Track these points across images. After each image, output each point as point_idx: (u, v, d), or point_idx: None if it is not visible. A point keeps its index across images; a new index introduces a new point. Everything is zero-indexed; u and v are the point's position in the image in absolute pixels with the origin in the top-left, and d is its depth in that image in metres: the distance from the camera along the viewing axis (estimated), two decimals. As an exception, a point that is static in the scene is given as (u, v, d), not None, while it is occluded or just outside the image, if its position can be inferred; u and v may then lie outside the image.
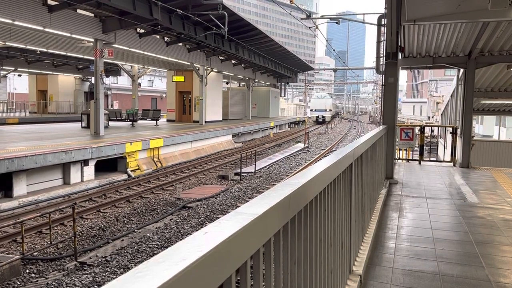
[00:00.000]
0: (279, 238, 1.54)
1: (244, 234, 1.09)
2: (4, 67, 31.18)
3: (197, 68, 26.73)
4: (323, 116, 57.98)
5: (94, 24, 16.78)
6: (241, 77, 37.41)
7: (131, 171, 15.26)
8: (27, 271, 6.97)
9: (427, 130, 17.68)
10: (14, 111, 39.39)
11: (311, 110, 60.97)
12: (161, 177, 15.07)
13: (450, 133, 11.74)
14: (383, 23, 10.58)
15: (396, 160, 10.80)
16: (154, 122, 26.33)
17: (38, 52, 24.78)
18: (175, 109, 30.33)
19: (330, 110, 60.28)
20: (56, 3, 14.64)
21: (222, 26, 19.22)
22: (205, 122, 27.59)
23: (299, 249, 1.79)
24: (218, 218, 1.19)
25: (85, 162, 13.20)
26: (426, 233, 5.08)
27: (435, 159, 13.65)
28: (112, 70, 35.16)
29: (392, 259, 4.19)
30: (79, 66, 33.30)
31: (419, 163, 11.40)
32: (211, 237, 0.98)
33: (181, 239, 1.02)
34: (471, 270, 3.92)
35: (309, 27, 25.45)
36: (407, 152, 12.56)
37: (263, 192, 1.52)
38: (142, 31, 20.06)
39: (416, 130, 11.32)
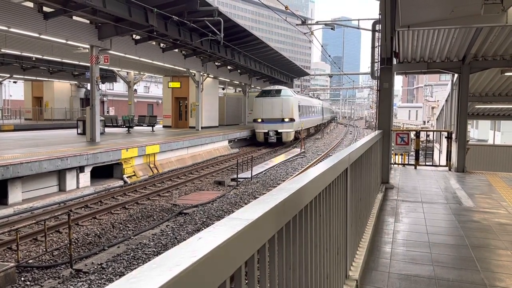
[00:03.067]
0: (273, 243, 1.54)
1: (238, 239, 1.09)
2: (-1, 74, 31.11)
3: (193, 74, 26.75)
4: (277, 133, 28.71)
5: (90, 30, 16.79)
6: (237, 82, 37.47)
7: (127, 177, 15.21)
8: (22, 279, 6.92)
9: (423, 135, 17.75)
10: (9, 118, 39.26)
11: (254, 120, 29.69)
12: (157, 183, 15.03)
13: (446, 137, 11.79)
14: (377, 28, 10.66)
15: (391, 165, 10.83)
16: (150, 128, 26.30)
17: (34, 58, 24.74)
18: (171, 115, 30.32)
19: (292, 119, 29.14)
20: (52, 10, 14.65)
21: (218, 32, 19.27)
22: (201, 128, 27.57)
23: (294, 254, 1.80)
24: (213, 223, 1.20)
25: (81, 169, 13.15)
26: (422, 238, 5.09)
27: (430, 163, 13.71)
28: (108, 76, 35.14)
29: (388, 263, 4.20)
30: (75, 72, 33.27)
31: (415, 168, 11.43)
32: (205, 242, 0.98)
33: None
34: (466, 274, 3.93)
35: (305, 33, 25.58)
36: (402, 156, 12.60)
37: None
38: (138, 37, 20.08)
39: (412, 134, 11.36)
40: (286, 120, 28.64)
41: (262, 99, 29.29)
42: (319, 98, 56.31)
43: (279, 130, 28.48)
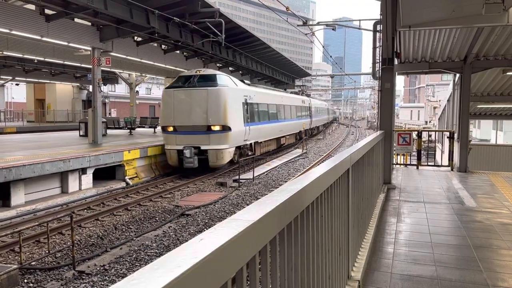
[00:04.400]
0: (275, 244, 1.54)
1: (239, 240, 1.10)
2: (1, 76, 31.23)
3: (194, 75, 26.76)
4: (199, 151, 16.48)
5: (92, 32, 16.83)
6: (239, 84, 37.43)
7: (129, 179, 15.22)
8: (25, 280, 6.93)
9: (425, 135, 17.71)
10: (11, 120, 39.35)
11: (163, 128, 17.31)
12: (159, 185, 15.03)
13: (448, 137, 11.78)
14: (379, 29, 10.66)
15: (393, 165, 10.82)
16: (152, 129, 26.33)
17: (36, 61, 24.80)
18: (173, 116, 30.21)
19: (227, 127, 16.50)
20: (53, 12, 14.70)
21: (219, 34, 19.30)
22: (203, 129, 27.50)
23: (296, 255, 1.80)
24: (213, 225, 1.19)
25: (83, 171, 13.17)
26: (424, 238, 5.09)
27: (432, 163, 13.68)
28: (110, 78, 35.20)
29: (391, 264, 4.20)
30: (76, 74, 33.35)
31: (417, 168, 11.42)
32: (206, 244, 0.99)
33: (177, 247, 1.04)
34: (469, 274, 3.92)
35: (306, 34, 25.60)
36: (404, 157, 12.59)
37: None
38: (139, 39, 20.13)
39: (414, 135, 11.38)
40: (216, 128, 16.36)
41: (173, 91, 16.98)
42: (308, 95, 42.19)
43: (203, 147, 16.39)
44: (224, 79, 17.53)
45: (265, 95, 22.50)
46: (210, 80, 16.94)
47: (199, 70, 17.77)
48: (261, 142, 21.30)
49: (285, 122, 26.32)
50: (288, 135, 27.33)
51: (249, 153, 19.57)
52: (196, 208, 11.66)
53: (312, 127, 37.82)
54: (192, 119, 16.46)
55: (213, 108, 16.32)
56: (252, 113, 19.39)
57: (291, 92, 35.81)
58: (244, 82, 20.31)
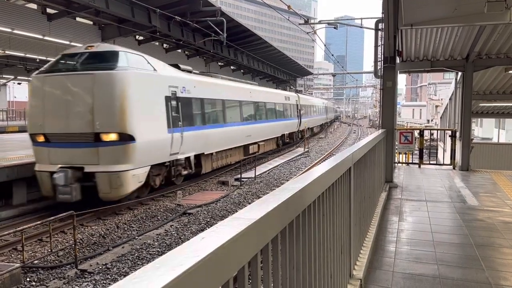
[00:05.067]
0: (277, 243, 1.54)
1: (241, 239, 1.10)
2: (3, 76, 31.27)
3: (196, 74, 26.78)
4: (84, 176, 10.19)
5: (93, 31, 16.87)
6: (240, 82, 37.43)
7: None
8: (28, 279, 6.95)
9: (427, 134, 17.69)
10: (14, 119, 39.42)
11: (31, 137, 10.81)
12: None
13: (450, 136, 11.77)
14: (380, 27, 10.64)
15: (395, 164, 10.81)
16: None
17: (38, 60, 24.82)
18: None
19: (127, 136, 10.17)
20: (55, 11, 14.74)
21: (221, 33, 19.31)
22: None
23: (298, 253, 1.80)
24: (215, 224, 1.18)
25: (85, 170, 13.16)
26: (426, 237, 5.08)
27: (434, 162, 13.66)
28: (112, 77, 35.19)
29: (393, 262, 4.19)
30: (78, 73, 33.36)
31: (419, 167, 11.40)
32: (208, 242, 0.99)
33: (179, 245, 1.04)
34: (471, 273, 3.92)
35: (307, 32, 25.56)
36: (406, 155, 12.57)
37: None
38: (141, 38, 20.17)
39: (416, 133, 11.36)
40: (109, 138, 10.37)
41: (44, 78, 10.92)
42: (297, 91, 36.77)
43: (88, 169, 10.45)
44: (129, 59, 11.09)
45: (216, 87, 16.16)
46: (104, 61, 10.68)
47: (90, 46, 11.30)
48: (212, 154, 15.61)
49: (256, 124, 20.12)
50: (262, 141, 21.10)
51: (186, 172, 13.88)
52: (198, 207, 11.67)
53: (302, 129, 30.67)
54: (71, 124, 10.35)
55: (102, 105, 10.23)
56: (189, 112, 13.61)
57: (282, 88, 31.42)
58: (179, 68, 14.06)
